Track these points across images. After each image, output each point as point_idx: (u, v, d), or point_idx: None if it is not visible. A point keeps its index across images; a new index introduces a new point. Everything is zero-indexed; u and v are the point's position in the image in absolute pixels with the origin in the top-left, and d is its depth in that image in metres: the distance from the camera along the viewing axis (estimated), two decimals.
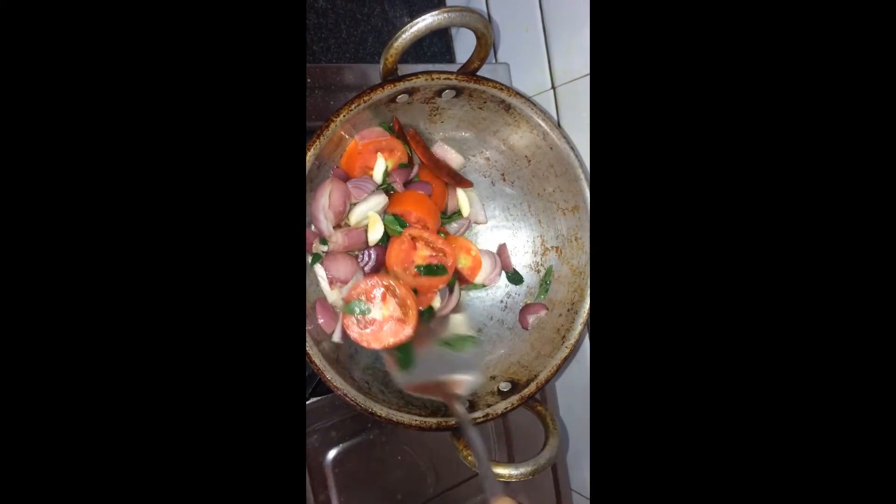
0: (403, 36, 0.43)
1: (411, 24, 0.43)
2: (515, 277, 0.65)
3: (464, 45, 0.89)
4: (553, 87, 0.71)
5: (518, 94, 0.53)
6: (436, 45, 0.91)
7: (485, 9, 0.82)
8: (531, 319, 0.61)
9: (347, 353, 0.53)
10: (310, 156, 0.46)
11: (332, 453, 0.59)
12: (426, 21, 0.43)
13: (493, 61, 0.80)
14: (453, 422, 0.50)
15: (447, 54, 0.92)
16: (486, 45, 0.47)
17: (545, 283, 0.62)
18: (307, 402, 0.57)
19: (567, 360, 0.56)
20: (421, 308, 0.56)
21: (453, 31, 0.91)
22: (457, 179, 0.61)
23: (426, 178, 0.58)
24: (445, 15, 0.43)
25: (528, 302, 0.63)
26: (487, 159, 0.63)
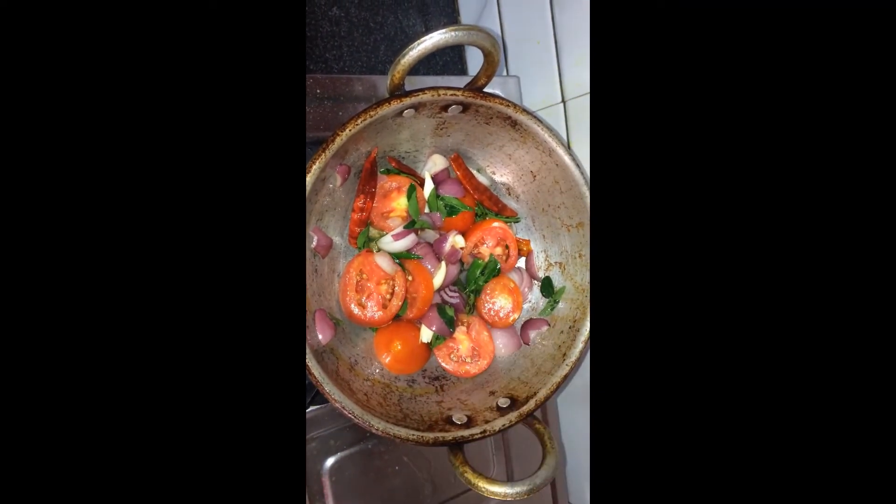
0: (410, 53, 0.44)
1: (418, 41, 0.43)
2: (547, 288, 0.63)
3: (476, 56, 0.90)
4: (563, 101, 0.71)
5: (524, 111, 0.53)
6: (447, 55, 0.91)
7: (497, 20, 0.82)
8: (532, 335, 0.61)
9: (348, 364, 0.53)
10: (316, 167, 0.46)
11: (329, 461, 0.59)
12: (433, 39, 0.43)
13: (504, 73, 0.80)
14: (450, 437, 0.50)
15: (458, 64, 0.92)
16: (494, 62, 0.48)
17: (553, 301, 0.62)
18: (307, 410, 0.58)
19: (567, 378, 0.56)
20: None
21: None
22: (499, 206, 0.62)
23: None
24: (453, 33, 0.43)
25: (531, 317, 0.63)
26: (493, 173, 0.63)
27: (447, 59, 0.91)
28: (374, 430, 0.47)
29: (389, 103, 0.47)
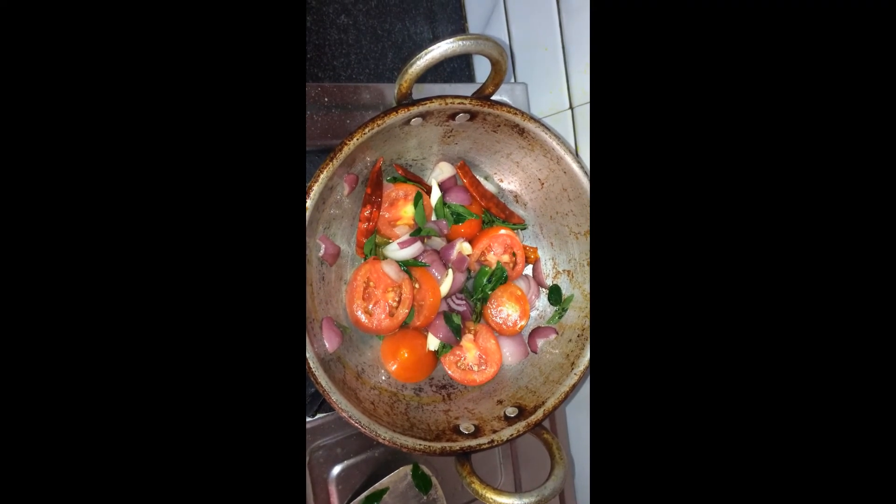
0: (418, 63, 0.44)
1: (426, 51, 0.43)
2: (555, 296, 0.63)
3: (483, 62, 0.90)
4: (571, 108, 0.70)
5: (532, 119, 0.53)
6: (455, 62, 0.91)
7: (505, 27, 0.82)
8: (540, 343, 0.61)
9: (355, 372, 0.53)
10: (323, 177, 0.46)
11: (336, 469, 0.59)
12: (441, 49, 0.43)
13: (512, 80, 0.80)
14: (458, 447, 0.50)
15: (466, 71, 0.92)
16: (501, 71, 0.47)
17: (561, 309, 0.62)
18: (314, 419, 0.58)
19: (576, 388, 0.55)
20: None
21: None
22: (506, 213, 0.62)
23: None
24: (460, 43, 0.43)
25: (539, 325, 0.63)
26: (501, 181, 0.63)
27: (455, 67, 0.91)
28: (380, 440, 0.47)
29: (397, 112, 0.47)
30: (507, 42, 0.81)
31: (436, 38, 0.92)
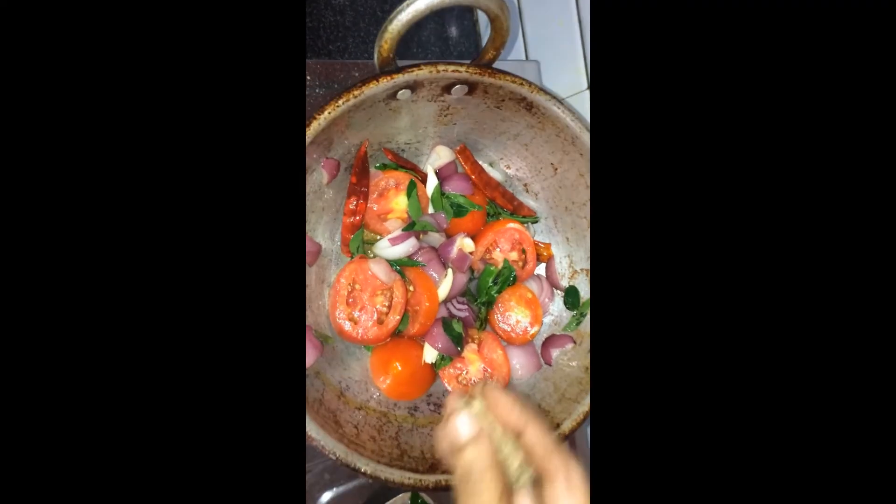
0: (399, 17, 0.36)
1: (407, 2, 0.36)
2: (571, 299, 0.55)
3: None
4: (590, 88, 0.63)
5: (542, 91, 0.45)
6: (462, 43, 0.84)
7: (515, 0, 0.75)
8: (555, 354, 0.53)
9: (337, 390, 0.46)
10: None
11: (325, 497, 0.53)
12: (426, 0, 0.36)
13: (524, 58, 0.74)
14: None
15: (475, 54, 0.85)
16: (502, 29, 0.40)
17: (579, 314, 0.54)
18: None
19: None
20: None
21: (482, 27, 0.84)
22: (514, 204, 0.55)
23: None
24: None
25: (554, 333, 0.55)
26: (507, 167, 0.55)
27: (462, 49, 0.84)
28: (361, 474, 0.39)
29: (377, 81, 0.39)
30: (518, 16, 0.74)
31: (444, 21, 0.85)
